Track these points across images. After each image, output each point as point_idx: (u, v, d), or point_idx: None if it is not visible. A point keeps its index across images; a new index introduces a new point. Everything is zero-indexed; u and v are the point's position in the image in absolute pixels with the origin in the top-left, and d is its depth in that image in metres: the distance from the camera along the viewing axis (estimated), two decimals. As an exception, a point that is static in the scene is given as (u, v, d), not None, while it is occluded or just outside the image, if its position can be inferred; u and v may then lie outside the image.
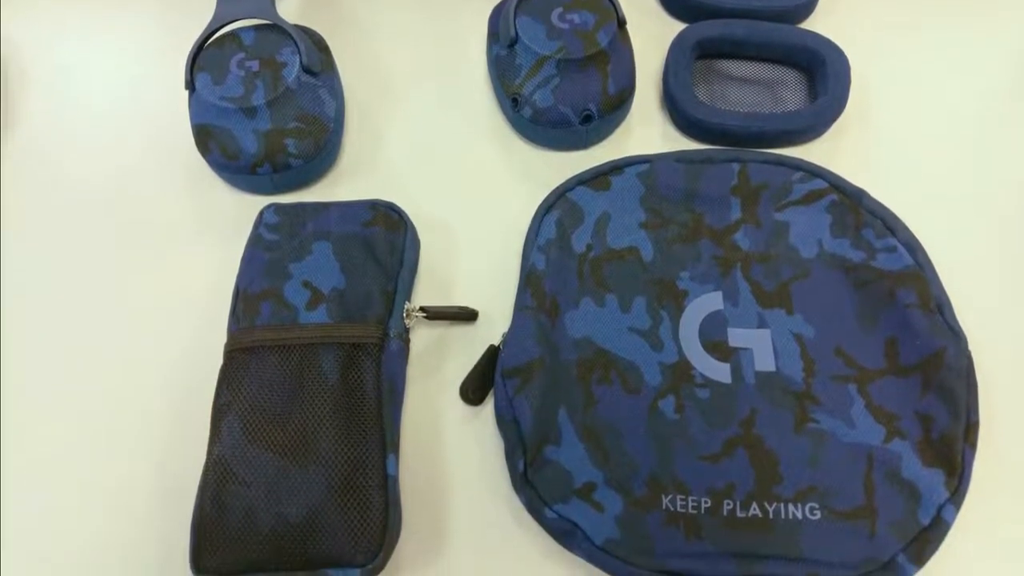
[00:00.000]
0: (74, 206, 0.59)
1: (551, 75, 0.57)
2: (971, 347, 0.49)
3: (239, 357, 0.48)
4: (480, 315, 0.54)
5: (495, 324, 0.54)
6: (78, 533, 0.48)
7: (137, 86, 0.65)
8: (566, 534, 0.44)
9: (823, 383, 0.48)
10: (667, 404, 0.48)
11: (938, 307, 0.49)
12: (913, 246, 0.52)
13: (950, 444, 0.45)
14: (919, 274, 0.51)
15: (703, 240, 0.53)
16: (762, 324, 0.50)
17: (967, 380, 0.47)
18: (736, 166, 0.55)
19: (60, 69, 0.67)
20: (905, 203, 0.55)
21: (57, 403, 0.52)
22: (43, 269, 0.57)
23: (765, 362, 0.49)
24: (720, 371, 0.49)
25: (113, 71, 0.66)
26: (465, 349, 0.52)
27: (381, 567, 0.43)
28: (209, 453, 0.46)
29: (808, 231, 0.53)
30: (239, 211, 0.59)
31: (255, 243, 0.53)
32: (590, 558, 0.44)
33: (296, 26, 0.61)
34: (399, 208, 0.55)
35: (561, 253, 0.53)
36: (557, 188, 0.55)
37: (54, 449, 0.50)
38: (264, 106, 0.56)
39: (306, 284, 0.50)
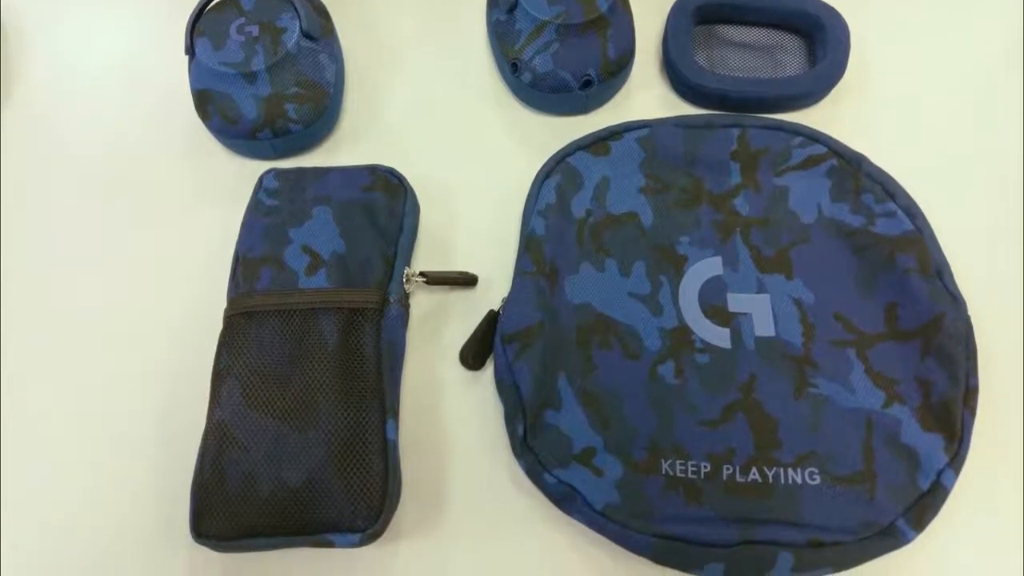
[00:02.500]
0: (74, 172, 0.57)
1: (551, 40, 0.54)
2: (970, 312, 0.47)
3: (239, 322, 0.46)
4: (480, 280, 0.51)
5: (495, 289, 0.51)
6: (78, 499, 0.46)
7: (137, 52, 0.62)
8: (566, 499, 0.42)
9: (822, 348, 0.46)
10: (667, 369, 0.45)
11: (937, 272, 0.47)
12: (912, 211, 0.49)
13: (949, 409, 0.43)
14: (918, 239, 0.48)
15: (703, 205, 0.51)
16: (761, 289, 0.48)
17: (966, 345, 0.45)
18: (736, 131, 0.53)
19: (59, 35, 0.64)
20: (904, 168, 0.52)
21: (57, 369, 0.49)
22: (43, 235, 0.54)
23: (764, 327, 0.46)
24: (720, 336, 0.46)
25: (113, 37, 0.63)
26: (465, 314, 0.50)
27: (381, 531, 0.41)
28: (209, 418, 0.44)
29: (807, 196, 0.51)
30: (239, 176, 0.56)
31: (255, 208, 0.51)
32: (590, 523, 0.42)
33: (295, -10, 0.58)
34: (399, 173, 0.52)
35: (561, 218, 0.50)
36: (557, 153, 0.53)
37: (54, 415, 0.48)
38: (264, 71, 0.53)
39: (306, 249, 0.48)
